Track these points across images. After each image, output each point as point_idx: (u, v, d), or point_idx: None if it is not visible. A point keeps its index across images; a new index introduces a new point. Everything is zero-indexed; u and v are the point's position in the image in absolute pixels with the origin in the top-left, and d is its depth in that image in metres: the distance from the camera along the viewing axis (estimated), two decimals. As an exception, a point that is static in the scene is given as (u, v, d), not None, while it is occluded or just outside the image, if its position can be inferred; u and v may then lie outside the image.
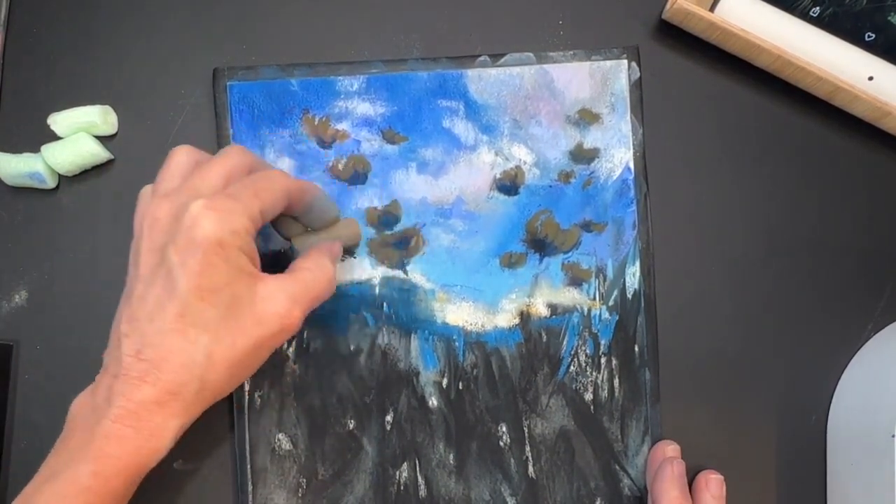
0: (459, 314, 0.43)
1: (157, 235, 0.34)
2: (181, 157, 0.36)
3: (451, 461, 0.42)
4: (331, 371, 0.42)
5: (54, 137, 0.42)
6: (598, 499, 0.42)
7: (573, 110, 0.43)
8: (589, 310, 0.43)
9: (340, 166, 0.43)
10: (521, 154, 0.43)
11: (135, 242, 0.35)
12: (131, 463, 0.33)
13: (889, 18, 0.44)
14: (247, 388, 0.42)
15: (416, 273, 0.43)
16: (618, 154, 0.43)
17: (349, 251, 0.43)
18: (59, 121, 0.42)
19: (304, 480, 0.42)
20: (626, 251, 0.43)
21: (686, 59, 0.44)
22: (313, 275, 0.36)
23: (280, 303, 0.35)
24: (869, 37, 0.44)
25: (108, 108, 0.43)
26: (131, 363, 0.33)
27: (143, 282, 0.34)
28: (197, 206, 0.33)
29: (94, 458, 0.33)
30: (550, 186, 0.43)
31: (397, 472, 0.42)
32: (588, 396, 0.43)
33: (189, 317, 0.33)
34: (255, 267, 0.35)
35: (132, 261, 0.35)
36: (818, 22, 0.44)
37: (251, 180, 0.35)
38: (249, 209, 0.34)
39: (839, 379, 0.43)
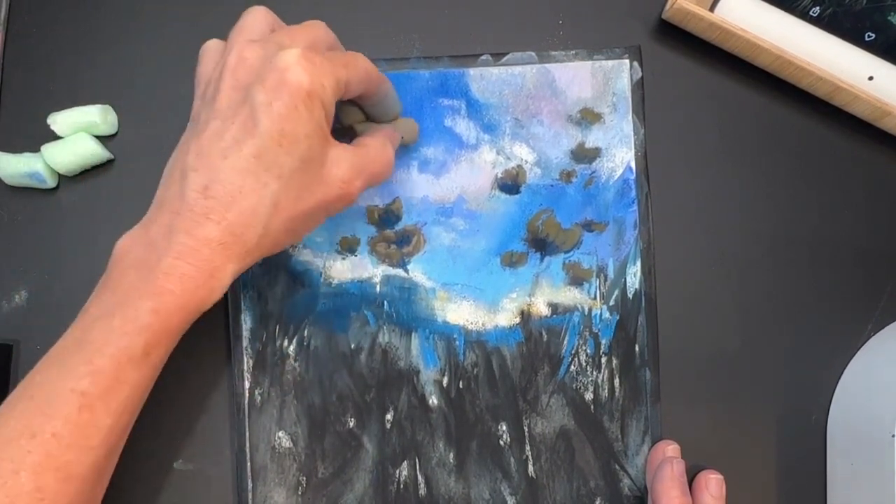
0: (460, 313, 0.43)
1: (244, 74, 0.33)
2: (260, 14, 0.36)
3: (451, 460, 0.42)
4: (331, 369, 0.42)
5: (54, 137, 0.42)
6: (598, 498, 0.42)
7: (575, 110, 0.43)
8: (590, 309, 0.43)
9: (341, 165, 0.43)
10: (522, 153, 0.43)
11: (203, 86, 0.35)
12: (190, 301, 0.32)
13: (889, 18, 0.44)
14: (247, 385, 0.42)
15: (416, 272, 0.43)
16: (619, 154, 0.43)
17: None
18: (59, 121, 0.42)
19: (304, 478, 0.42)
20: (627, 251, 0.43)
21: (686, 59, 0.44)
22: (377, 152, 0.37)
23: (345, 170, 0.35)
24: (869, 37, 0.44)
25: (108, 108, 0.43)
26: (196, 199, 0.32)
27: (221, 117, 0.33)
28: (293, 52, 0.32)
29: (154, 294, 0.32)
30: (552, 186, 0.43)
31: (397, 471, 0.42)
32: (588, 396, 0.43)
33: (265, 159, 0.32)
34: (329, 131, 0.35)
35: (203, 100, 0.34)
36: (818, 22, 0.44)
37: (340, 53, 0.35)
38: (338, 74, 0.34)
39: (839, 379, 0.43)
